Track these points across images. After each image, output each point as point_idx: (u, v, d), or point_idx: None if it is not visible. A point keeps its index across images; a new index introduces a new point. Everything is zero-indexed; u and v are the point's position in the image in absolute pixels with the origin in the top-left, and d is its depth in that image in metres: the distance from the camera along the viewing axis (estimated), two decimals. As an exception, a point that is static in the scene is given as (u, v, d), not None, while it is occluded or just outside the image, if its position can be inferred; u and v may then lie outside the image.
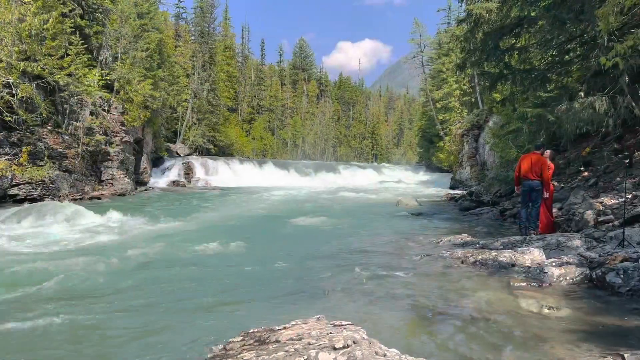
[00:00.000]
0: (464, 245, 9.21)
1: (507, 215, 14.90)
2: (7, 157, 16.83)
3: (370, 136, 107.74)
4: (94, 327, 5.12)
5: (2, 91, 17.02)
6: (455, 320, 4.98)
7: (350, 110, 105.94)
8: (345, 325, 3.23)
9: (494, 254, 7.34)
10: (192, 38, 57.40)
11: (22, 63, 17.46)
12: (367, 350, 2.70)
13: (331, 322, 3.32)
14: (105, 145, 24.01)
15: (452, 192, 29.10)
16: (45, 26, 18.19)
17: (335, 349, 2.71)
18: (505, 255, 7.17)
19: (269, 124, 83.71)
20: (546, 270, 6.29)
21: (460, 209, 18.44)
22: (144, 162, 31.68)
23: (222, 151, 56.57)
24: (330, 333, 2.99)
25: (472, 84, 41.44)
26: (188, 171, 37.57)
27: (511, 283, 6.22)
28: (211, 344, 3.81)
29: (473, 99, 42.71)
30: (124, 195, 24.10)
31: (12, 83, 17.21)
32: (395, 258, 8.42)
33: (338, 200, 23.96)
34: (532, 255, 7.28)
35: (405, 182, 46.45)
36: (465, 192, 24.66)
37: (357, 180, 47.93)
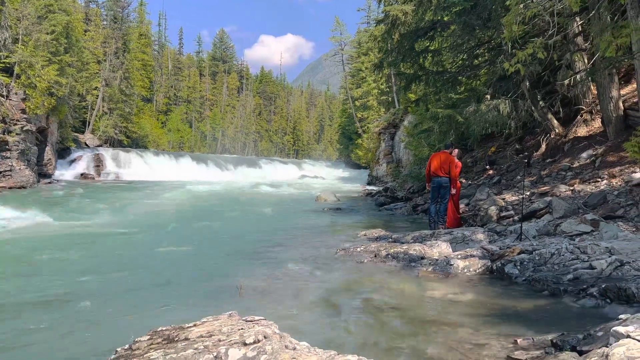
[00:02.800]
0: (377, 239, 9.51)
1: (419, 210, 15.59)
2: None
3: (292, 132, 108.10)
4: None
5: None
6: (367, 311, 5.15)
7: (272, 105, 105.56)
8: (258, 320, 3.21)
9: (405, 247, 7.65)
10: (104, 23, 54.22)
11: None
12: (277, 344, 2.71)
13: (243, 318, 3.29)
14: (4, 134, 22.08)
15: (369, 188, 29.99)
16: None
17: (245, 344, 2.68)
18: (415, 249, 7.50)
19: (186, 115, 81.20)
20: (452, 263, 6.66)
21: (376, 204, 19.03)
22: (48, 153, 29.52)
23: (135, 143, 54.09)
24: (242, 329, 2.97)
25: (390, 84, 42.83)
26: (98, 163, 35.58)
27: (420, 275, 6.52)
28: (117, 345, 3.64)
29: (390, 99, 44.18)
30: (24, 188, 22.34)
31: None
32: (311, 252, 8.52)
33: (258, 195, 23.81)
34: (440, 248, 7.68)
35: (325, 177, 47.17)
36: (381, 188, 25.50)
37: (278, 175, 47.95)
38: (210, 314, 3.82)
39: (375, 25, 27.71)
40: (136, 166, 37.73)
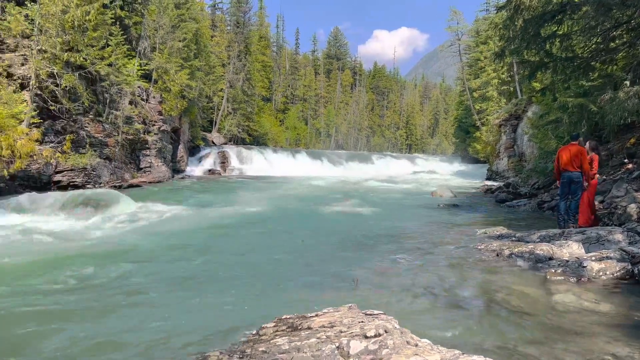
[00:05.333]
0: (499, 237, 9.04)
1: (545, 207, 14.54)
2: (51, 144, 17.47)
3: (405, 126, 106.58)
4: (128, 315, 5.30)
5: (47, 81, 17.65)
6: (490, 312, 4.92)
7: (385, 99, 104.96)
8: (377, 314, 3.23)
9: (530, 247, 7.19)
10: (228, 28, 57.91)
11: (66, 54, 18.04)
12: (398, 339, 2.71)
13: (363, 311, 3.34)
14: (144, 134, 24.61)
15: (489, 183, 28.58)
16: (87, 17, 18.70)
17: (366, 337, 2.72)
18: (543, 249, 7.01)
19: (302, 113, 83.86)
20: (585, 265, 6.12)
21: (496, 201, 18.10)
22: (181, 151, 32.33)
23: (256, 140, 57.11)
24: (362, 322, 3.01)
25: (511, 73, 40.33)
26: (223, 160, 38.13)
27: (548, 277, 6.08)
28: (244, 329, 3.89)
29: (512, 88, 41.61)
30: (161, 182, 24.69)
31: (57, 73, 17.82)
32: (428, 249, 8.35)
33: (371, 190, 23.87)
34: (571, 248, 7.09)
35: (439, 173, 45.86)
36: (502, 184, 24.18)
37: (391, 170, 47.62)
38: (328, 304, 3.92)
39: (496, 12, 26.19)
40: (257, 162, 39.84)
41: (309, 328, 3.08)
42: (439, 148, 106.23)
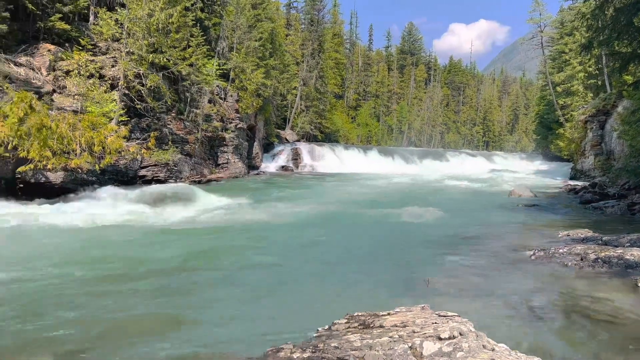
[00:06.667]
0: (584, 240, 8.52)
1: (636, 210, 13.51)
2: (137, 141, 18.60)
3: (482, 122, 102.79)
4: (207, 303, 5.54)
5: (133, 81, 18.82)
6: (573, 320, 4.66)
7: (461, 95, 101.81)
8: (451, 316, 3.17)
9: (619, 251, 6.71)
10: (302, 26, 58.68)
11: (151, 55, 19.14)
12: (474, 342, 2.64)
13: (436, 312, 3.28)
14: (222, 132, 25.57)
15: (572, 183, 26.95)
16: (170, 20, 19.72)
17: (440, 338, 2.68)
18: (634, 254, 6.52)
19: (374, 110, 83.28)
20: (683, 273, 5.63)
21: (580, 202, 17.04)
22: (256, 148, 33.27)
23: (328, 137, 57.52)
24: (435, 323, 2.96)
25: (599, 66, 37.67)
26: (296, 157, 38.78)
27: (639, 284, 5.65)
28: (316, 323, 3.95)
29: (599, 82, 38.87)
30: (237, 178, 25.55)
31: (142, 74, 18.95)
32: (505, 251, 8.04)
33: (445, 189, 23.30)
34: (667, 255, 6.54)
35: (519, 171, 43.82)
36: (587, 184, 22.72)
37: (466, 168, 46.16)
38: (399, 303, 3.88)
39: (584, 1, 24.57)
40: (329, 159, 40.12)
41: (380, 326, 3.08)
42: (519, 145, 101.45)
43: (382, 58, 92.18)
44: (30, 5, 17.66)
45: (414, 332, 2.85)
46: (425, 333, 2.79)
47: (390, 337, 2.81)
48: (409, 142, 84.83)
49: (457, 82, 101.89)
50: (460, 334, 2.72)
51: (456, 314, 3.23)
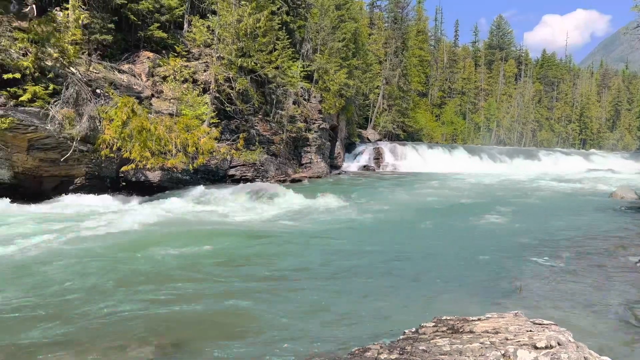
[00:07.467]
0: (700, 249, 7.71)
1: None
2: (227, 142, 19.48)
3: (578, 119, 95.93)
4: (300, 299, 5.69)
5: (223, 85, 19.73)
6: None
7: (554, 90, 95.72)
8: (547, 324, 3.02)
9: None
10: (386, 25, 58.20)
11: (240, 59, 19.96)
12: (574, 354, 2.50)
13: (530, 320, 3.14)
14: (305, 132, 26.08)
15: (685, 185, 24.42)
16: (258, 24, 20.42)
17: (536, 348, 2.56)
18: None
19: (460, 107, 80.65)
20: None
21: (695, 206, 15.43)
22: (338, 148, 33.55)
23: (410, 136, 56.61)
24: (530, 331, 2.84)
25: None
26: (377, 156, 38.60)
27: None
28: (403, 326, 3.93)
29: None
30: (320, 177, 25.92)
31: (232, 77, 19.81)
32: (606, 257, 7.49)
33: (537, 190, 22.08)
34: None
35: (621, 171, 40.49)
36: (703, 186, 20.48)
37: (560, 168, 43.45)
38: (488, 309, 3.76)
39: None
40: (411, 159, 39.50)
41: (470, 332, 3.00)
42: (620, 143, 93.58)
43: (469, 54, 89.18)
44: (132, 17, 19.11)
45: (507, 339, 2.75)
46: (519, 341, 2.69)
47: (481, 343, 2.74)
48: (497, 141, 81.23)
49: (550, 77, 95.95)
50: (559, 344, 2.58)
51: (553, 323, 3.07)
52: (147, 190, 16.01)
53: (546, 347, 2.55)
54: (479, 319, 3.22)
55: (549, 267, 6.90)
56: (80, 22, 15.54)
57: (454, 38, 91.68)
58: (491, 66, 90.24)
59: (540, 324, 3.01)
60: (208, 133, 17.59)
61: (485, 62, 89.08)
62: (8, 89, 12.85)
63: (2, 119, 12.25)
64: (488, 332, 2.93)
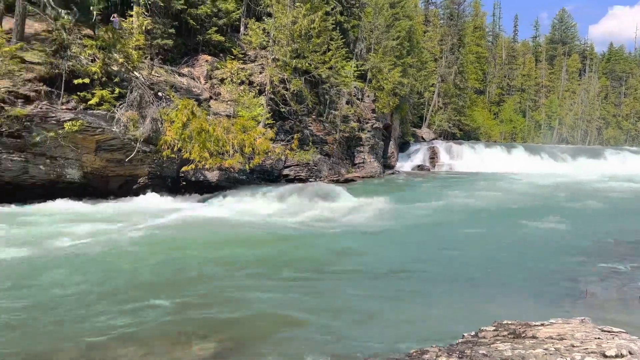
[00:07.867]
0: None
1: None
2: (282, 142, 19.79)
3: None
4: (361, 299, 5.71)
5: (278, 86, 20.04)
6: None
7: (622, 85, 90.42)
8: (617, 332, 2.88)
9: None
10: (441, 22, 57.09)
11: (294, 60, 20.21)
12: (646, 365, 2.38)
13: (598, 327, 3.01)
14: (358, 132, 26.03)
15: None
16: (312, 25, 20.60)
17: (605, 356, 2.46)
18: None
19: (519, 105, 77.79)
20: None
21: None
22: (392, 147, 33.25)
23: (467, 135, 55.24)
24: (599, 338, 2.72)
25: None
26: (432, 156, 37.96)
27: None
28: (462, 329, 3.86)
29: None
30: (373, 177, 25.81)
31: (286, 79, 20.09)
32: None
33: (602, 191, 20.98)
34: None
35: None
36: None
37: (628, 168, 41.02)
38: (552, 314, 3.63)
39: None
40: (467, 158, 38.54)
41: (533, 337, 2.92)
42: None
43: (529, 49, 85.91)
44: (191, 21, 19.78)
45: (573, 346, 2.66)
46: (587, 348, 2.59)
47: (545, 349, 2.66)
48: (559, 139, 77.74)
49: (618, 72, 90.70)
50: (630, 353, 2.46)
51: (623, 330, 2.93)
52: (205, 189, 16.54)
53: (616, 356, 2.44)
54: (542, 324, 3.13)
55: (617, 272, 6.58)
56: (143, 28, 16.26)
57: (512, 33, 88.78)
58: (553, 62, 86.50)
59: (609, 332, 2.88)
60: (264, 134, 17.93)
61: (546, 57, 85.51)
62: (78, 93, 13.64)
63: (73, 122, 13.02)
64: (552, 338, 2.84)
